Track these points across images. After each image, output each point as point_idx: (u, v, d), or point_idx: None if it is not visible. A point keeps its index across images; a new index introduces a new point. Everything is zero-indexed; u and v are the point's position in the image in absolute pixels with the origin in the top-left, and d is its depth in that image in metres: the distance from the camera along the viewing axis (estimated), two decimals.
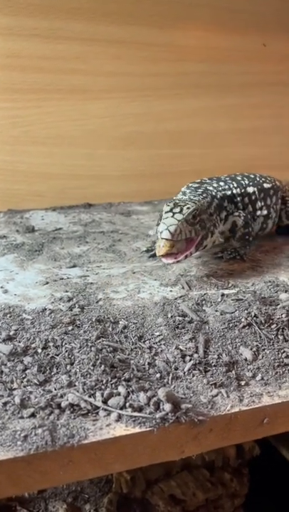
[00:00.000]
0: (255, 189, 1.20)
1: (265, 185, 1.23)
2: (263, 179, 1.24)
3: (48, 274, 1.04)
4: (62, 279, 1.01)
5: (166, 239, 0.94)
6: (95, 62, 1.68)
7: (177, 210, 0.97)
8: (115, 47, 1.69)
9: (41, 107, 1.66)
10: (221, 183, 1.16)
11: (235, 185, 1.17)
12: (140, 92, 1.76)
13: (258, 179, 1.23)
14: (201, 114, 1.87)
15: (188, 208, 0.98)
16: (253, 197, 1.18)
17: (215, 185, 1.15)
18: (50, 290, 0.95)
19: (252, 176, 1.24)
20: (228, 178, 1.19)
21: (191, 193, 1.08)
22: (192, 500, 1.16)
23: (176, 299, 0.92)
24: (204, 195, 1.08)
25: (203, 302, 0.91)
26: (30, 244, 1.22)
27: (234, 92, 1.90)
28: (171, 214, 0.97)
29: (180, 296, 0.93)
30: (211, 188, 1.13)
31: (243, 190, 1.18)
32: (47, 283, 0.99)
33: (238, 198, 1.16)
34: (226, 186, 1.16)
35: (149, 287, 0.98)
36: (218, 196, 1.12)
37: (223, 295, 0.93)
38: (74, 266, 1.09)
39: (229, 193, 1.15)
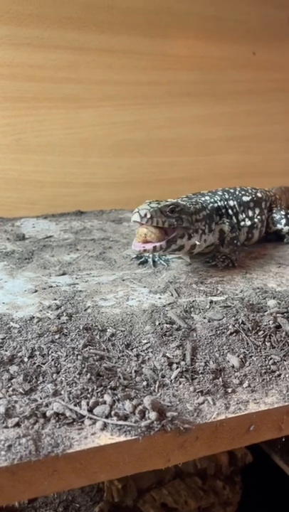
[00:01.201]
0: (235, 203, 1.24)
1: (245, 199, 1.26)
2: (242, 192, 1.27)
3: (37, 282, 1.03)
4: (52, 287, 1.01)
5: (135, 221, 0.96)
6: (86, 70, 1.69)
7: (155, 202, 1.00)
8: (107, 56, 1.71)
9: (33, 115, 1.67)
10: (207, 198, 1.20)
11: (218, 198, 1.22)
12: (132, 100, 1.78)
13: (237, 193, 1.26)
14: (193, 122, 1.88)
15: (166, 201, 1.00)
16: (234, 210, 1.23)
17: (203, 198, 1.19)
18: (39, 298, 0.95)
19: (231, 191, 1.27)
20: (210, 193, 1.23)
21: (181, 199, 1.11)
22: (184, 509, 1.15)
23: (164, 306, 0.92)
24: (195, 203, 1.10)
25: (192, 309, 0.91)
26: (21, 252, 1.22)
27: (225, 100, 1.92)
28: (147, 203, 0.99)
29: (168, 304, 0.93)
30: (203, 199, 1.17)
31: (225, 203, 1.22)
32: (36, 291, 0.99)
33: (223, 211, 1.20)
34: (212, 200, 1.20)
35: (138, 295, 0.98)
36: (209, 207, 1.15)
37: (211, 302, 0.93)
38: (63, 274, 1.09)
39: (216, 205, 1.19)
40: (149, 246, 0.98)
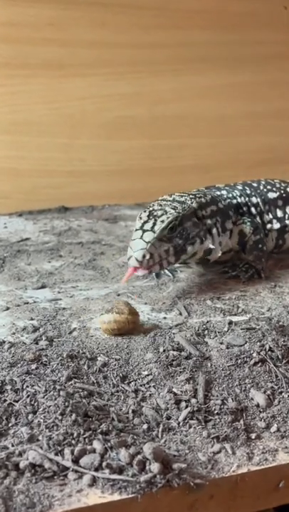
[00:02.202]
0: (259, 200, 1.23)
1: (271, 195, 1.25)
2: (268, 187, 1.26)
3: (9, 298, 1.03)
4: (28, 303, 1.01)
5: (135, 267, 0.96)
6: (72, 30, 1.70)
7: (149, 224, 0.99)
8: (98, 11, 1.72)
9: (5, 86, 1.67)
10: (223, 192, 1.20)
11: (238, 193, 1.21)
12: (130, 67, 1.79)
13: (261, 188, 1.25)
14: (206, 94, 1.89)
15: (162, 222, 0.99)
16: (258, 208, 1.22)
17: (218, 193, 1.19)
18: (11, 318, 0.95)
19: (255, 185, 1.26)
20: (227, 188, 1.23)
21: (179, 194, 1.09)
22: None
23: (170, 328, 0.92)
24: (199, 195, 1.10)
25: (205, 332, 0.91)
26: None
27: (248, 66, 1.92)
28: (141, 232, 0.98)
29: (176, 325, 0.93)
30: (217, 194, 1.16)
31: (247, 200, 1.21)
32: (7, 308, 0.99)
33: (244, 209, 1.20)
34: (230, 195, 1.20)
35: None
36: (224, 202, 1.14)
37: (230, 323, 0.93)
38: (43, 287, 1.09)
39: (234, 201, 1.19)
40: (154, 266, 0.98)
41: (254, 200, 1.22)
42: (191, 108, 1.88)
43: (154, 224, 0.99)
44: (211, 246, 1.07)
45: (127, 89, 1.80)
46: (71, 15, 1.70)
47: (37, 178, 1.72)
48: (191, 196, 1.08)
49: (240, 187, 1.24)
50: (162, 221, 0.99)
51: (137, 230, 0.99)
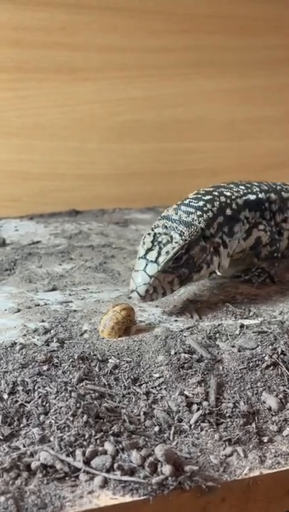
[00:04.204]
0: (277, 197, 1.19)
1: (285, 195, 1.22)
2: (282, 186, 1.24)
3: (20, 300, 1.04)
4: (39, 305, 1.01)
5: (138, 303, 0.95)
6: (84, 34, 1.71)
7: (154, 254, 0.95)
8: (109, 16, 1.72)
9: (16, 90, 1.68)
10: (242, 187, 1.15)
11: (258, 189, 1.17)
12: (140, 71, 1.79)
13: (275, 187, 1.22)
14: (216, 98, 1.89)
15: (167, 253, 0.95)
16: (276, 206, 1.19)
17: (235, 189, 1.14)
18: (23, 319, 0.95)
19: (270, 183, 1.24)
20: (247, 183, 1.19)
21: (185, 211, 1.03)
22: None
23: (182, 331, 0.92)
24: (205, 208, 1.04)
25: (217, 335, 0.90)
26: (0, 262, 1.23)
27: (256, 71, 1.92)
28: (144, 263, 0.94)
29: (187, 328, 0.93)
30: (227, 194, 1.10)
31: (268, 196, 1.17)
32: (19, 310, 0.99)
33: (266, 205, 1.16)
34: (248, 190, 1.15)
35: (148, 316, 0.98)
36: (233, 205, 1.09)
37: (242, 326, 0.93)
38: (54, 289, 1.09)
39: (253, 197, 1.14)
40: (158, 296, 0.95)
41: (273, 196, 1.18)
42: (200, 112, 1.89)
43: (159, 254, 0.95)
44: (218, 273, 1.03)
45: (137, 93, 1.80)
46: (83, 19, 1.70)
47: (47, 181, 1.73)
48: (198, 214, 1.02)
49: (256, 183, 1.20)
50: (167, 252, 0.95)
51: (140, 258, 0.96)
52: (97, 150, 1.78)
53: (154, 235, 0.98)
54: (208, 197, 1.07)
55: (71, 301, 1.03)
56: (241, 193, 1.13)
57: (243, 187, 1.16)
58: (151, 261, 0.94)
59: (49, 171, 1.73)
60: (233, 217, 1.08)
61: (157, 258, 0.94)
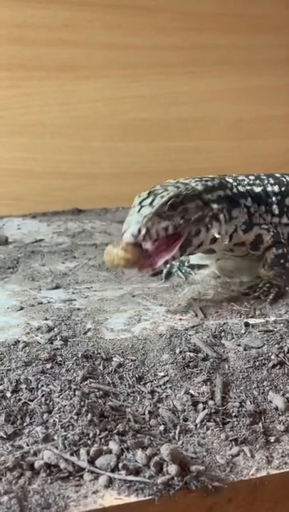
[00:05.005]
0: (281, 189, 1.15)
1: None
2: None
3: (23, 298, 1.04)
4: (42, 303, 1.01)
5: (128, 243, 0.90)
6: (87, 31, 1.71)
7: (148, 200, 0.93)
8: (113, 13, 1.72)
9: (19, 88, 1.68)
10: (251, 177, 1.13)
11: (272, 181, 1.14)
12: (145, 69, 1.79)
13: (282, 179, 1.18)
14: (223, 97, 1.89)
15: (162, 197, 0.93)
16: (279, 197, 1.14)
17: (240, 178, 1.12)
18: (26, 317, 0.95)
19: (277, 175, 1.20)
20: (262, 174, 1.17)
21: (185, 178, 1.03)
22: None
23: (186, 329, 0.91)
24: (206, 179, 1.03)
25: (222, 334, 0.90)
26: (3, 260, 1.23)
27: (265, 70, 1.92)
28: (138, 208, 0.93)
29: (192, 327, 0.92)
30: (230, 180, 1.09)
31: (284, 188, 1.14)
32: (22, 308, 0.99)
33: (274, 199, 1.12)
34: (257, 181, 1.13)
35: (152, 314, 0.98)
36: (234, 190, 1.07)
37: (247, 325, 0.93)
38: (57, 287, 1.09)
39: (259, 189, 1.11)
40: (158, 260, 0.93)
41: (276, 188, 1.14)
42: (206, 111, 1.88)
43: (153, 200, 0.93)
44: (217, 235, 1.00)
45: (142, 92, 1.80)
46: (86, 16, 1.70)
47: (50, 179, 1.73)
48: (196, 179, 1.02)
49: (264, 176, 1.16)
50: (162, 197, 0.93)
51: (134, 206, 0.94)
52: (100, 148, 1.78)
53: (150, 190, 0.97)
54: (206, 178, 1.06)
55: (74, 300, 1.03)
56: (244, 183, 1.11)
57: (252, 177, 1.14)
58: (145, 205, 0.93)
59: (52, 169, 1.73)
60: (234, 199, 1.06)
61: (152, 203, 0.93)
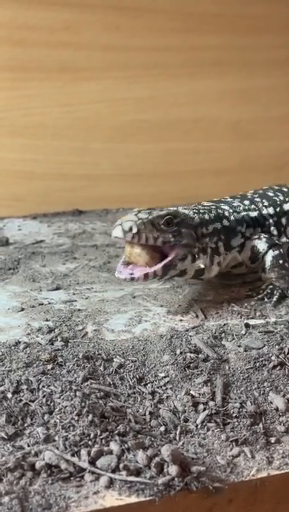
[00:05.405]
0: (276, 211, 1.15)
1: (287, 207, 1.16)
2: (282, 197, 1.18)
3: (24, 299, 1.03)
4: (42, 304, 1.01)
5: (117, 237, 0.92)
6: (88, 33, 1.71)
7: (146, 211, 0.96)
8: (113, 15, 1.72)
9: (20, 89, 1.68)
10: (246, 202, 1.14)
11: (266, 203, 1.15)
12: (144, 71, 1.79)
13: (275, 199, 1.17)
14: (222, 98, 1.89)
15: (161, 211, 0.96)
16: (275, 219, 1.14)
17: (235, 204, 1.12)
18: (27, 318, 0.95)
19: (285, 190, 1.20)
20: (256, 195, 1.17)
21: (183, 207, 1.04)
22: None
23: (187, 330, 0.91)
24: (203, 211, 1.04)
25: (223, 335, 0.90)
26: (3, 261, 1.23)
27: (264, 71, 1.92)
28: (136, 212, 0.96)
29: (193, 327, 0.92)
30: (225, 208, 1.09)
31: (278, 209, 1.14)
32: (22, 309, 0.99)
33: (271, 221, 1.13)
34: (252, 206, 1.13)
35: (152, 315, 0.97)
36: (232, 218, 1.08)
37: (248, 326, 0.93)
38: (57, 288, 1.09)
39: (255, 213, 1.12)
40: (139, 273, 0.93)
41: (271, 210, 1.14)
42: (205, 112, 1.88)
43: (151, 212, 0.95)
44: (202, 266, 1.00)
45: (142, 93, 1.80)
46: (86, 18, 1.70)
47: (51, 181, 1.73)
48: (194, 211, 1.03)
49: (258, 199, 1.16)
50: (161, 211, 0.96)
51: (130, 214, 0.96)
52: (101, 150, 1.78)
53: (147, 208, 0.99)
54: (204, 208, 1.07)
55: (75, 300, 1.03)
56: (239, 209, 1.11)
57: (239, 203, 1.13)
58: (143, 212, 0.95)
59: (53, 170, 1.73)
60: (232, 229, 1.07)
61: (149, 213, 0.95)
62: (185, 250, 0.98)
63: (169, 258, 0.96)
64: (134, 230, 0.91)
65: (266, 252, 1.08)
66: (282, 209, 1.15)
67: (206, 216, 1.04)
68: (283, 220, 1.14)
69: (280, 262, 1.07)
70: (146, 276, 0.94)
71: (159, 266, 0.95)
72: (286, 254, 1.09)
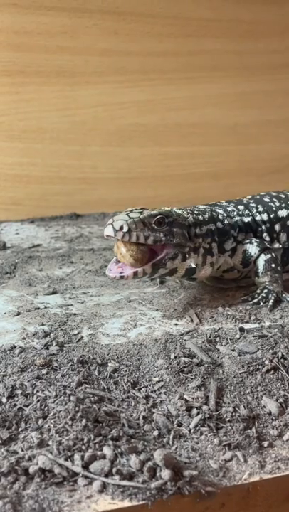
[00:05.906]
0: (269, 217, 1.14)
1: (281, 213, 1.15)
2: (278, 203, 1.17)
3: (20, 303, 1.04)
4: (38, 308, 1.01)
5: (108, 236, 0.92)
6: (85, 38, 1.72)
7: (137, 211, 0.96)
8: (111, 19, 1.73)
9: (18, 94, 1.69)
10: (240, 207, 1.14)
11: (260, 209, 1.14)
12: (142, 75, 1.80)
13: (271, 204, 1.16)
14: (219, 102, 1.89)
15: (152, 211, 0.97)
16: (268, 225, 1.14)
17: (229, 208, 1.12)
18: (22, 323, 0.95)
19: (283, 196, 1.19)
20: (251, 201, 1.17)
21: (178, 208, 1.05)
22: None
23: (182, 334, 0.91)
24: (198, 212, 1.05)
25: (217, 339, 0.90)
26: (0, 265, 1.23)
27: (260, 75, 1.93)
28: (128, 212, 0.96)
29: (187, 332, 0.92)
30: (220, 211, 1.10)
31: (272, 215, 1.14)
32: (18, 314, 0.99)
33: (263, 227, 1.13)
34: (246, 211, 1.13)
35: (148, 320, 0.98)
36: (226, 222, 1.08)
37: (242, 330, 0.93)
38: (54, 292, 1.09)
39: (248, 219, 1.12)
40: (128, 271, 0.94)
41: (265, 216, 1.14)
42: (203, 116, 1.89)
43: (144, 211, 0.96)
44: (193, 265, 1.01)
45: (139, 97, 1.81)
46: (84, 23, 1.71)
47: (49, 185, 1.73)
48: (188, 211, 1.04)
49: (253, 204, 1.15)
50: (153, 210, 0.97)
51: (122, 213, 0.97)
52: (99, 154, 1.79)
53: (140, 208, 1.00)
54: (198, 210, 1.07)
55: (71, 305, 1.03)
56: (233, 214, 1.11)
57: (233, 208, 1.13)
58: (134, 212, 0.96)
59: (51, 174, 1.74)
60: (225, 231, 1.07)
61: (141, 212, 0.96)
62: (176, 249, 0.98)
63: (159, 257, 0.96)
64: (125, 229, 0.92)
65: (258, 257, 1.08)
66: (277, 215, 1.15)
67: (200, 217, 1.04)
68: (277, 227, 1.14)
69: (273, 265, 1.07)
70: (135, 274, 0.94)
71: (148, 264, 0.95)
72: (279, 258, 1.10)
